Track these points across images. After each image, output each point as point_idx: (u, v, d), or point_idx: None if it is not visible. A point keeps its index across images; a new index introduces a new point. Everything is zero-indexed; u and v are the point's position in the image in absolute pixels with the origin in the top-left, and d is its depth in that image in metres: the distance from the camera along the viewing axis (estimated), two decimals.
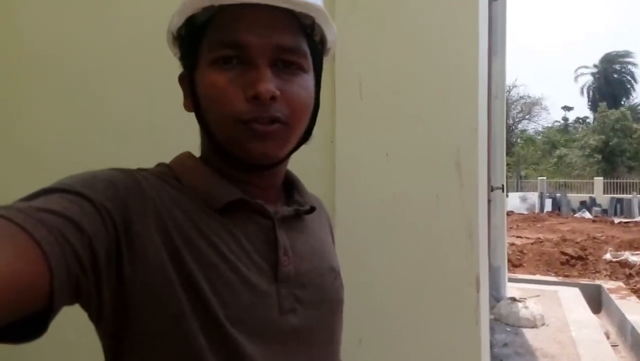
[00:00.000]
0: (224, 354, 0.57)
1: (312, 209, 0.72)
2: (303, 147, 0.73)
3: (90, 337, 0.62)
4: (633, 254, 7.92)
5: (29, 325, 0.47)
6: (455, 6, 1.20)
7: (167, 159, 0.69)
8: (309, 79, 0.65)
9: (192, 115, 0.66)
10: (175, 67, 0.69)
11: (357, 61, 1.28)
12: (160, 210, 0.59)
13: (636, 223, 13.91)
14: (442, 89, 1.22)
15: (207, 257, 0.59)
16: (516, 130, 36.71)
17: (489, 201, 3.00)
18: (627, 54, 41.28)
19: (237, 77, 0.60)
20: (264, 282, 0.62)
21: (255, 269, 0.62)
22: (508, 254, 7.42)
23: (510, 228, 12.07)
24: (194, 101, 0.64)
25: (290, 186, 0.75)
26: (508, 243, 8.93)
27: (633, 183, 21.67)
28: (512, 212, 16.14)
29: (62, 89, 1.55)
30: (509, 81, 34.79)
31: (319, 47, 0.68)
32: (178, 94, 0.69)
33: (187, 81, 0.65)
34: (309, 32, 0.65)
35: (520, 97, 36.64)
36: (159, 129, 1.41)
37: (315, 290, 0.68)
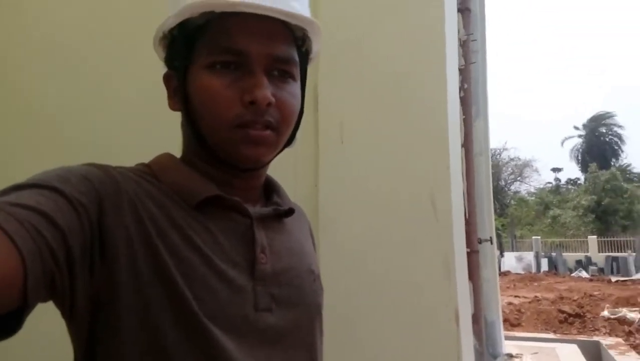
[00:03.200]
0: (199, 347, 0.57)
1: (291, 211, 0.72)
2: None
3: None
4: (631, 311, 7.83)
5: (3, 321, 0.46)
6: (425, 51, 1.32)
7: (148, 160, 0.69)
8: (297, 86, 0.68)
9: (171, 116, 0.68)
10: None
11: (338, 108, 1.39)
12: (135, 204, 0.58)
13: (633, 280, 13.82)
14: (415, 131, 1.32)
15: (182, 251, 0.58)
16: (509, 191, 37.10)
17: (477, 251, 3.04)
18: (610, 115, 42.57)
19: (234, 82, 0.62)
20: (240, 278, 0.62)
21: (231, 265, 0.62)
22: (505, 314, 7.35)
23: (507, 287, 11.95)
24: (184, 100, 0.65)
25: (270, 189, 0.75)
26: (506, 302, 8.85)
27: (627, 241, 21.68)
28: (508, 272, 16.04)
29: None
30: (498, 144, 35.61)
31: (305, 57, 0.71)
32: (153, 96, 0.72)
33: (178, 81, 0.66)
34: (300, 43, 0.68)
35: (511, 159, 37.39)
36: (138, 132, 1.46)
37: (293, 290, 0.67)
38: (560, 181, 42.80)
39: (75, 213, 0.52)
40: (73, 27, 1.67)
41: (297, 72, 0.67)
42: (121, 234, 0.56)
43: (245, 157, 0.63)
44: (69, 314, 0.55)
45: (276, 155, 0.69)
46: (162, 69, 0.71)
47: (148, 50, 0.72)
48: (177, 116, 0.70)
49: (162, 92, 0.71)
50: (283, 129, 0.65)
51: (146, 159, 0.70)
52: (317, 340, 0.72)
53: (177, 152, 0.71)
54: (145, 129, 1.44)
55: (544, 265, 18.45)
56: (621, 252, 19.96)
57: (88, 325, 0.56)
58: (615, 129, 42.11)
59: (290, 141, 0.70)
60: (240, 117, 0.61)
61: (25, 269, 0.44)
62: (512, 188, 37.85)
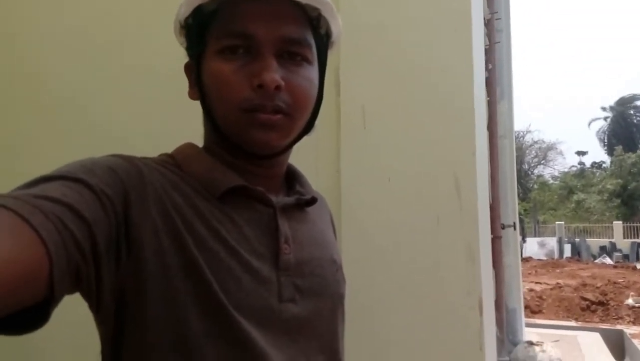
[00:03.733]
0: (225, 338, 0.57)
1: (314, 200, 0.72)
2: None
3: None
4: None
5: (31, 314, 0.46)
6: (450, 33, 1.28)
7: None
8: (313, 70, 0.65)
9: (195, 107, 0.67)
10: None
11: (360, 92, 1.36)
12: (160, 195, 0.58)
13: None
14: (440, 116, 1.28)
15: (208, 242, 0.58)
16: (532, 175, 36.52)
17: (500, 237, 2.99)
18: (639, 97, 41.33)
19: (243, 66, 0.61)
20: (265, 269, 0.62)
21: (256, 256, 0.61)
22: (526, 300, 7.27)
23: (529, 273, 11.81)
24: (200, 88, 0.64)
25: (292, 178, 0.74)
26: (527, 288, 8.76)
27: None
28: (530, 258, 15.83)
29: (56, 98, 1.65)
30: (522, 126, 34.94)
31: (324, 40, 0.68)
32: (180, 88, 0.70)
33: (194, 69, 0.66)
34: (315, 24, 0.66)
35: (535, 142, 36.70)
36: (162, 123, 1.46)
37: (316, 281, 0.67)
38: (584, 164, 41.97)
39: (100, 205, 0.51)
40: (95, 14, 1.66)
41: (311, 54, 0.65)
42: (147, 226, 0.56)
43: (256, 142, 0.62)
44: (95, 306, 0.55)
45: (294, 142, 0.68)
46: (185, 58, 0.70)
47: (170, 38, 0.71)
48: (198, 106, 0.68)
49: (184, 81, 0.70)
50: (296, 114, 0.63)
51: (168, 149, 0.69)
52: (339, 329, 0.72)
53: (199, 141, 0.71)
54: (167, 119, 1.44)
55: (567, 251, 18.16)
56: None
57: (114, 317, 0.56)
58: None
59: (308, 129, 0.68)
60: (248, 101, 0.60)
61: (51, 261, 0.44)
62: (536, 171, 37.22)
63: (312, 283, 0.66)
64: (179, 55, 0.71)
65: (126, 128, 1.52)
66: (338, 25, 0.69)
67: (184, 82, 0.70)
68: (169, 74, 0.78)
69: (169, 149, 0.69)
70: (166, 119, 1.42)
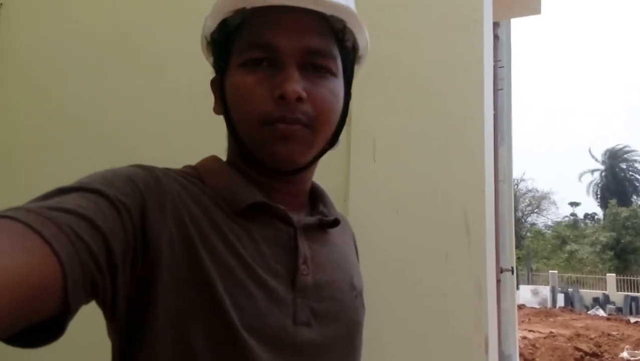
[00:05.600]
0: (232, 357, 0.55)
1: (337, 222, 0.70)
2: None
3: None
4: None
5: (47, 327, 0.46)
6: (463, 74, 1.31)
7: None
8: (337, 83, 0.64)
9: (220, 121, 0.66)
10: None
11: (371, 124, 1.38)
12: (178, 206, 0.57)
13: None
14: (451, 152, 1.30)
15: (224, 256, 0.57)
16: (526, 223, 36.57)
17: (499, 281, 2.97)
18: (630, 150, 41.99)
19: (266, 78, 0.60)
20: (280, 289, 0.60)
21: (272, 275, 0.60)
22: (520, 348, 7.17)
23: (522, 321, 11.67)
24: (223, 102, 0.64)
25: (316, 198, 0.73)
26: (520, 336, 8.66)
27: None
28: (523, 305, 15.68)
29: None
30: (517, 174, 35.27)
31: (350, 53, 0.67)
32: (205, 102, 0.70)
33: (219, 83, 0.65)
34: (341, 37, 0.65)
35: (529, 190, 36.94)
36: (186, 136, 1.46)
37: (333, 306, 0.64)
38: (577, 215, 42.13)
39: (117, 215, 0.51)
40: (112, 22, 1.70)
41: (336, 67, 0.64)
42: (164, 236, 0.55)
43: (277, 156, 0.61)
44: (110, 314, 0.55)
45: (317, 158, 0.66)
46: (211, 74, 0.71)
47: (195, 51, 0.72)
48: (220, 119, 0.69)
49: (207, 94, 0.71)
50: (317, 127, 0.62)
51: (192, 161, 0.69)
52: (355, 359, 0.69)
53: (223, 155, 0.71)
54: (191, 132, 1.45)
55: (560, 300, 18.02)
56: None
57: (127, 325, 0.56)
58: (637, 165, 41.49)
59: (333, 143, 0.67)
60: (270, 115, 0.59)
61: (64, 273, 0.43)
62: (529, 219, 37.30)
63: (329, 308, 0.64)
64: (203, 71, 0.72)
65: (149, 142, 1.54)
66: (365, 38, 0.68)
67: (208, 97, 0.71)
68: (195, 89, 0.78)
69: (191, 162, 0.69)
70: (191, 134, 1.44)
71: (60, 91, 1.72)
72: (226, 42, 0.63)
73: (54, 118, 1.71)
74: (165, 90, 1.59)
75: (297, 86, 0.59)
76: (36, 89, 1.76)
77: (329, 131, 0.65)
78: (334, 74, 0.64)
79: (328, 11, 0.62)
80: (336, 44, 0.64)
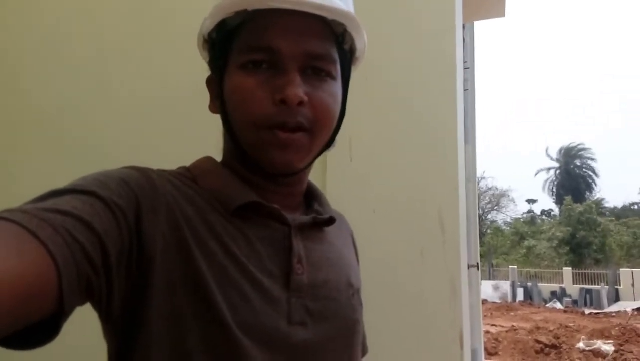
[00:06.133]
0: (227, 359, 0.54)
1: (332, 220, 0.69)
2: None
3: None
4: (605, 343, 7.91)
5: (41, 328, 0.45)
6: (436, 76, 1.34)
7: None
8: (336, 86, 0.64)
9: (215, 119, 0.66)
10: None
11: (347, 124, 1.39)
12: (172, 207, 0.57)
13: (606, 313, 14.02)
14: (425, 151, 1.33)
15: (217, 256, 0.57)
16: (486, 220, 37.59)
17: None
18: (584, 148, 43.80)
19: (266, 81, 0.59)
20: (275, 289, 0.59)
21: (267, 275, 0.59)
22: (484, 342, 7.37)
23: (485, 316, 11.98)
24: (221, 102, 0.63)
25: (311, 197, 0.73)
26: (483, 331, 8.89)
27: (601, 273, 22.03)
28: (485, 300, 16.10)
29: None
30: (478, 172, 36.23)
31: (347, 55, 0.67)
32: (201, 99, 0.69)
33: (217, 83, 0.65)
34: (340, 40, 0.65)
35: (489, 188, 37.98)
36: (179, 136, 1.43)
37: (329, 305, 0.64)
38: (533, 211, 43.60)
39: (112, 216, 0.51)
40: (103, 22, 1.65)
41: (335, 70, 0.64)
42: (158, 238, 0.54)
43: (274, 162, 0.61)
44: (105, 316, 0.54)
45: (315, 159, 0.66)
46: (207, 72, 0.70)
47: (188, 50, 0.71)
48: (215, 119, 0.68)
49: (200, 94, 0.70)
50: (317, 131, 0.62)
51: (186, 162, 0.69)
52: (353, 357, 0.68)
53: (217, 155, 0.70)
54: (185, 132, 1.44)
55: (520, 295, 18.62)
56: (595, 284, 20.30)
57: (122, 327, 0.55)
58: (590, 162, 43.31)
59: (329, 144, 0.67)
60: (271, 118, 0.59)
61: (59, 274, 0.43)
62: (489, 216, 38.38)
63: (325, 307, 0.63)
64: (196, 69, 0.71)
65: (139, 143, 1.50)
66: (363, 41, 0.68)
67: (203, 96, 0.70)
68: (187, 89, 0.77)
69: (185, 162, 0.69)
70: (184, 133, 1.43)
71: (45, 93, 1.66)
72: (225, 41, 0.63)
73: (30, 122, 1.65)
74: (157, 90, 1.55)
75: (299, 90, 0.59)
76: (11, 91, 1.69)
77: (327, 134, 0.65)
78: (333, 77, 0.64)
79: (330, 16, 0.62)
80: (335, 47, 0.64)
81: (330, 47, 0.63)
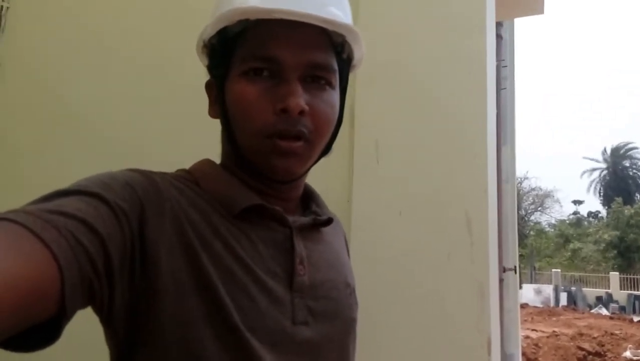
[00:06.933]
0: (237, 360, 0.55)
1: (330, 221, 0.71)
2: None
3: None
4: None
5: (42, 331, 0.45)
6: (465, 76, 1.31)
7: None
8: (335, 95, 0.66)
9: (213, 124, 0.67)
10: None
11: (374, 126, 1.39)
12: (177, 211, 0.57)
13: None
14: (453, 153, 1.31)
15: (224, 260, 0.57)
16: (529, 222, 36.51)
17: (502, 280, 2.97)
18: (634, 147, 41.84)
19: (268, 89, 0.60)
20: (279, 289, 0.61)
21: (271, 276, 0.61)
22: (523, 347, 7.17)
23: (525, 320, 11.67)
24: (222, 108, 0.65)
25: (308, 198, 0.74)
26: (523, 335, 8.67)
27: None
28: (526, 304, 15.67)
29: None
30: (520, 172, 35.22)
31: (346, 64, 0.69)
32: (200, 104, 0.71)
33: (217, 89, 0.66)
34: (339, 50, 0.66)
35: (532, 188, 36.86)
36: (177, 138, 1.48)
37: (329, 304, 0.66)
38: (579, 213, 42.03)
39: (116, 220, 0.51)
40: (110, 25, 1.71)
41: (335, 79, 0.65)
42: (163, 242, 0.55)
43: (275, 169, 0.62)
44: (106, 320, 0.55)
45: (312, 165, 0.68)
46: (205, 76, 0.71)
47: (188, 55, 0.73)
48: (212, 122, 0.70)
49: (200, 97, 0.71)
50: (316, 140, 0.63)
51: (183, 164, 0.70)
52: (350, 354, 0.70)
53: (212, 156, 0.71)
54: (181, 134, 1.46)
55: (563, 299, 18.00)
56: None
57: (125, 332, 0.56)
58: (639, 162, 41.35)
59: (326, 151, 0.68)
60: (271, 127, 0.60)
61: (62, 277, 0.44)
62: (532, 218, 37.23)
63: (326, 306, 0.65)
64: (191, 70, 0.73)
65: (141, 142, 1.54)
66: (361, 51, 0.69)
67: (201, 99, 0.71)
68: (196, 91, 0.79)
69: (183, 164, 0.70)
70: (182, 135, 1.44)
71: (63, 92, 1.73)
72: (225, 48, 0.64)
73: (57, 120, 1.72)
74: (168, 92, 1.60)
75: (300, 100, 0.60)
76: (40, 91, 1.77)
77: (325, 142, 0.66)
78: (332, 86, 0.65)
79: (332, 28, 0.63)
80: (335, 57, 0.66)
81: (331, 58, 0.65)
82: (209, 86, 0.70)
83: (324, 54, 0.63)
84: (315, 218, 0.70)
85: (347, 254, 0.82)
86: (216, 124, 0.69)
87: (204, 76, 0.71)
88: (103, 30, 1.72)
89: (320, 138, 0.64)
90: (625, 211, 29.41)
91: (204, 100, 0.71)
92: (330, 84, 0.64)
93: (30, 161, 1.73)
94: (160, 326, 0.54)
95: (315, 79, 0.63)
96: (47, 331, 0.46)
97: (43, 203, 0.49)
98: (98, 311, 0.53)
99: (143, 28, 1.69)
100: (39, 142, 1.73)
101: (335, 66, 0.65)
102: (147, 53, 1.66)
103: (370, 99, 1.39)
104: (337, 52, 0.66)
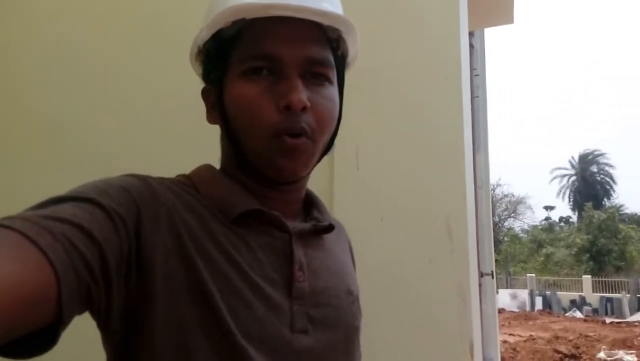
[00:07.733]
0: None
1: (331, 227, 0.70)
2: None
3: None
4: (627, 353, 7.73)
5: (39, 337, 0.45)
6: (442, 82, 1.34)
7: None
8: (334, 90, 0.65)
9: (211, 129, 0.67)
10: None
11: (354, 133, 1.40)
12: (173, 216, 0.57)
13: (628, 323, 13.69)
14: (432, 159, 1.32)
15: (220, 266, 0.57)
16: (503, 228, 37.10)
17: (480, 285, 3.00)
18: (601, 153, 43.13)
19: (268, 88, 0.60)
20: (277, 296, 0.59)
21: (268, 282, 0.59)
22: (501, 352, 7.25)
23: (502, 325, 11.81)
24: (222, 113, 0.64)
25: (310, 204, 0.73)
26: (500, 340, 8.77)
27: (622, 282, 21.53)
28: (503, 309, 15.87)
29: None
30: (493, 179, 35.82)
31: (341, 60, 0.68)
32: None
33: (215, 93, 0.65)
34: (335, 45, 0.66)
35: (505, 195, 37.53)
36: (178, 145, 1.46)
37: (330, 312, 0.64)
38: (550, 218, 42.96)
39: (112, 225, 0.51)
40: (87, 30, 1.68)
41: (333, 75, 0.65)
42: (159, 247, 0.55)
43: (281, 169, 0.61)
44: (104, 325, 0.54)
45: (315, 165, 0.67)
46: (200, 84, 0.71)
47: (181, 61, 0.72)
48: (209, 128, 0.69)
49: (195, 103, 0.71)
50: (318, 136, 0.62)
51: (182, 170, 0.69)
52: None
53: (210, 161, 0.71)
54: (184, 141, 1.45)
55: (538, 303, 18.31)
56: (615, 293, 19.87)
57: (121, 337, 0.55)
58: (607, 168, 42.62)
59: (328, 148, 0.68)
60: (276, 125, 0.60)
61: (59, 283, 0.43)
62: (506, 224, 37.89)
63: (326, 314, 0.64)
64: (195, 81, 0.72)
65: (120, 153, 1.52)
66: (356, 47, 0.69)
67: (187, 107, 0.71)
68: (185, 98, 0.78)
69: (184, 171, 0.69)
70: (183, 143, 1.45)
71: (47, 100, 1.70)
72: (221, 51, 0.63)
73: (34, 133, 1.68)
74: (157, 100, 1.58)
75: (302, 95, 0.59)
76: (16, 102, 1.73)
77: (326, 138, 0.65)
78: (331, 82, 0.65)
79: (329, 22, 0.63)
80: (331, 52, 0.65)
81: (328, 53, 0.64)
82: (205, 93, 0.69)
83: (321, 49, 0.63)
84: (315, 224, 0.68)
85: (352, 262, 0.80)
86: (194, 134, 0.69)
87: (187, 84, 0.71)
88: (79, 40, 1.70)
89: (322, 135, 0.63)
90: (596, 215, 30.17)
91: (189, 108, 0.70)
92: (329, 80, 0.64)
93: (17, 170, 1.68)
94: (155, 331, 0.54)
95: (315, 75, 0.62)
96: (44, 337, 0.45)
97: (38, 210, 0.48)
98: (96, 315, 0.52)
99: (121, 37, 1.66)
100: (24, 151, 1.69)
101: (332, 61, 0.65)
102: (138, 60, 1.63)
103: (349, 106, 1.39)
104: (332, 49, 0.66)
